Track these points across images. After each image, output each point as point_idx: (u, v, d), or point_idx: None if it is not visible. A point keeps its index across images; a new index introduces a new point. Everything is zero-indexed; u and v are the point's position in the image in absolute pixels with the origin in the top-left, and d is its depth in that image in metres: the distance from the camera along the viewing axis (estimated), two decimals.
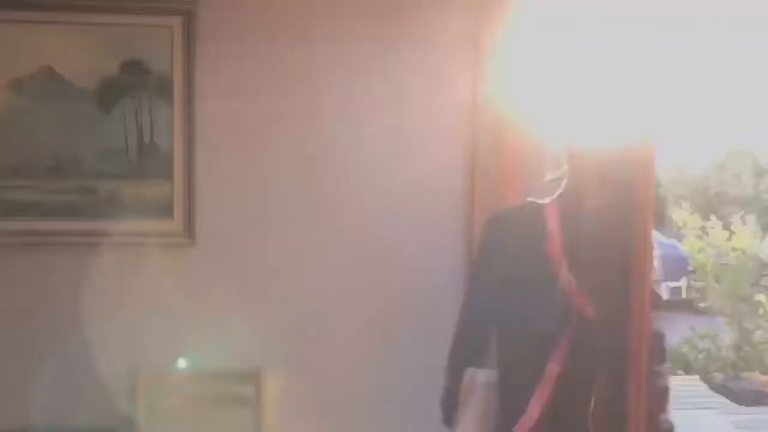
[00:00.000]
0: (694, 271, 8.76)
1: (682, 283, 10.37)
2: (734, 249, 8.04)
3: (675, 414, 3.20)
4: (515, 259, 2.47)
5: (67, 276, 3.06)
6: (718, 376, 7.03)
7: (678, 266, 9.64)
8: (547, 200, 2.56)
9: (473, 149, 3.16)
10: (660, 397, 3.07)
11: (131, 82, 3.08)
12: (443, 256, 3.23)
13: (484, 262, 2.58)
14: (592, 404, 2.57)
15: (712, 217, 8.53)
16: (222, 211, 3.16)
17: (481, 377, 2.54)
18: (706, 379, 6.98)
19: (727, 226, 8.26)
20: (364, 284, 3.23)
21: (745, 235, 8.18)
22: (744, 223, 8.45)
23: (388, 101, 3.18)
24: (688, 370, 7.46)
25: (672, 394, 3.19)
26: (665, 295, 9.31)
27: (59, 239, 3.07)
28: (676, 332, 7.34)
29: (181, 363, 3.13)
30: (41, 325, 3.06)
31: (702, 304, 8.36)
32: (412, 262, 3.21)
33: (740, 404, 6.32)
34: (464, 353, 2.57)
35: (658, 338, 3.07)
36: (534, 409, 2.41)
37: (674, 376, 6.69)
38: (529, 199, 2.63)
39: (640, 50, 2.85)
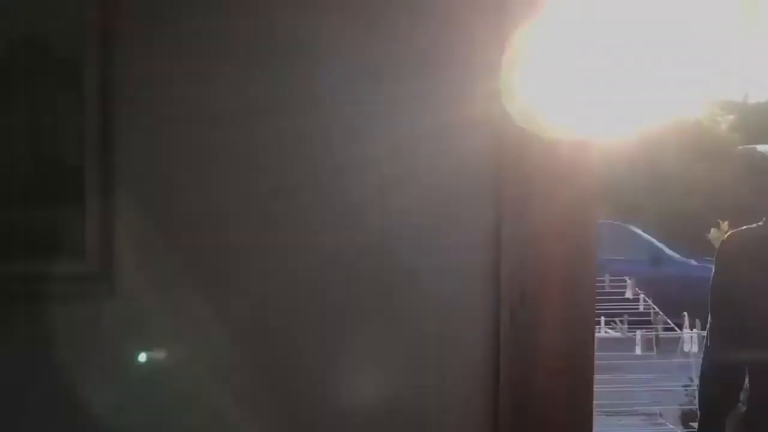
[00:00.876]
0: None
1: None
2: None
3: None
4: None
5: None
6: None
7: None
8: None
9: (498, 155, 2.47)
10: None
11: (24, 68, 2.25)
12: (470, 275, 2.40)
13: (727, 292, 2.40)
14: None
15: None
16: (152, 246, 2.30)
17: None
18: None
19: None
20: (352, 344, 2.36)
21: None
22: None
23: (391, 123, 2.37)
24: None
25: None
26: None
27: None
28: None
29: None
30: None
31: None
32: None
33: None
34: (714, 397, 2.46)
35: None
36: None
37: None
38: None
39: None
